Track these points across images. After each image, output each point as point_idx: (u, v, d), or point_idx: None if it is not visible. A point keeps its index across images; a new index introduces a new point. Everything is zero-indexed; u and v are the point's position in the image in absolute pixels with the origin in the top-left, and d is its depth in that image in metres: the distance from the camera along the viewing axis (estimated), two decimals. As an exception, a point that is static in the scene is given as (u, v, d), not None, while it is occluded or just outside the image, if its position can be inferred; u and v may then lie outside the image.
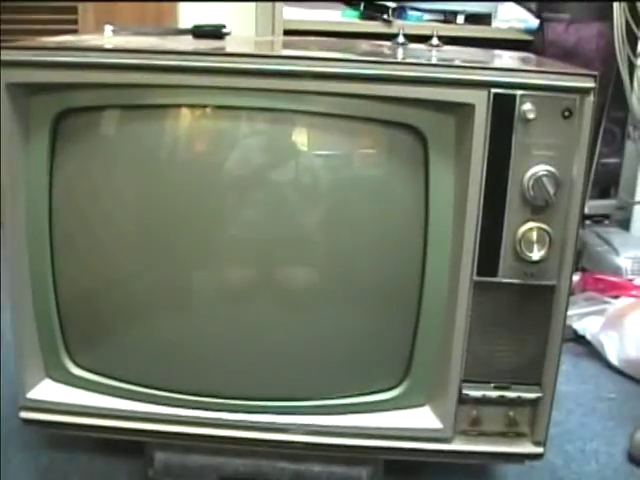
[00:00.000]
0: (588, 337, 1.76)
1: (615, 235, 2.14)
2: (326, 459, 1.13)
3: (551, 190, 0.96)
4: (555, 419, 1.09)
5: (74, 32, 2.28)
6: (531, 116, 0.95)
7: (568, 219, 0.99)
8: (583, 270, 1.98)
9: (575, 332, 1.76)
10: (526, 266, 1.00)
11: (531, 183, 0.97)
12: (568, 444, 1.37)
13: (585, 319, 1.78)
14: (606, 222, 2.29)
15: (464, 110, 0.97)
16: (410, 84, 0.96)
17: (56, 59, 0.99)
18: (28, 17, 2.34)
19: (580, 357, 1.73)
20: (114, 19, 2.33)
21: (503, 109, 0.96)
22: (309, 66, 0.97)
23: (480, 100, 0.96)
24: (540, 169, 0.97)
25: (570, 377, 1.61)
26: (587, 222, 2.22)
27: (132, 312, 1.11)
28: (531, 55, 1.41)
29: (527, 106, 0.95)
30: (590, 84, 0.96)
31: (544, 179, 0.96)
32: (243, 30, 2.34)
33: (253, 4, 2.41)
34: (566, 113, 0.96)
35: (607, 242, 2.09)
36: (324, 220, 1.07)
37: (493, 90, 0.96)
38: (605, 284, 1.89)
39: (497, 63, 1.17)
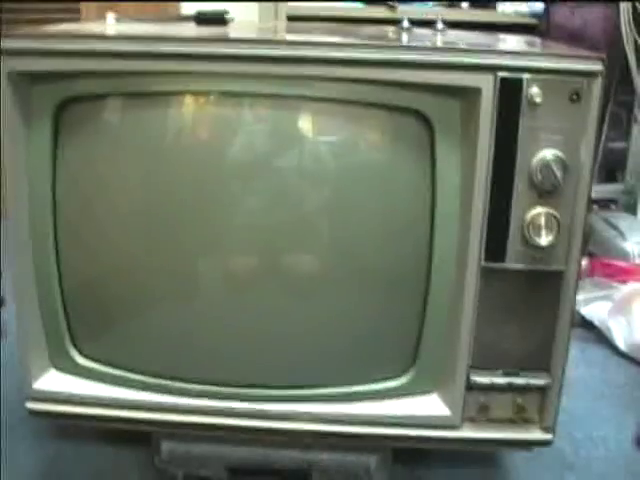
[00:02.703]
0: (596, 322, 1.75)
1: (622, 220, 2.13)
2: (334, 447, 1.12)
3: (559, 174, 0.95)
4: (562, 405, 1.08)
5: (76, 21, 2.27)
6: (538, 100, 0.94)
7: (576, 204, 0.98)
8: (590, 255, 1.97)
9: (583, 317, 1.76)
10: (534, 251, 0.99)
11: (539, 167, 0.96)
12: (576, 430, 1.37)
13: (593, 304, 1.78)
14: (613, 207, 2.28)
15: (470, 94, 0.96)
16: (416, 68, 0.95)
17: (58, 47, 0.97)
18: (29, 6, 2.33)
19: (587, 342, 1.73)
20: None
21: (510, 93, 0.95)
22: (314, 51, 0.95)
23: (486, 84, 0.95)
24: (548, 153, 0.96)
25: (577, 363, 1.59)
26: (594, 207, 2.21)
27: (137, 301, 1.10)
28: (537, 39, 1.40)
29: (534, 90, 0.94)
30: (598, 67, 0.95)
31: (552, 163, 0.95)
32: (245, 17, 2.33)
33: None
34: (574, 96, 0.95)
35: (614, 227, 2.08)
36: (330, 206, 1.06)
37: (500, 74, 0.94)
38: (613, 269, 1.89)
39: (503, 46, 1.15)
